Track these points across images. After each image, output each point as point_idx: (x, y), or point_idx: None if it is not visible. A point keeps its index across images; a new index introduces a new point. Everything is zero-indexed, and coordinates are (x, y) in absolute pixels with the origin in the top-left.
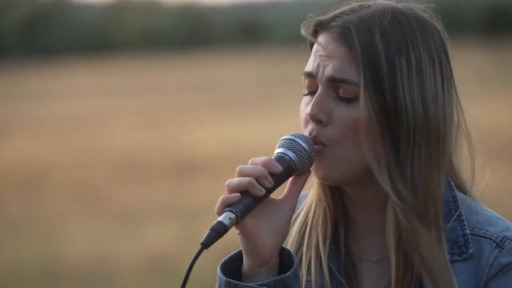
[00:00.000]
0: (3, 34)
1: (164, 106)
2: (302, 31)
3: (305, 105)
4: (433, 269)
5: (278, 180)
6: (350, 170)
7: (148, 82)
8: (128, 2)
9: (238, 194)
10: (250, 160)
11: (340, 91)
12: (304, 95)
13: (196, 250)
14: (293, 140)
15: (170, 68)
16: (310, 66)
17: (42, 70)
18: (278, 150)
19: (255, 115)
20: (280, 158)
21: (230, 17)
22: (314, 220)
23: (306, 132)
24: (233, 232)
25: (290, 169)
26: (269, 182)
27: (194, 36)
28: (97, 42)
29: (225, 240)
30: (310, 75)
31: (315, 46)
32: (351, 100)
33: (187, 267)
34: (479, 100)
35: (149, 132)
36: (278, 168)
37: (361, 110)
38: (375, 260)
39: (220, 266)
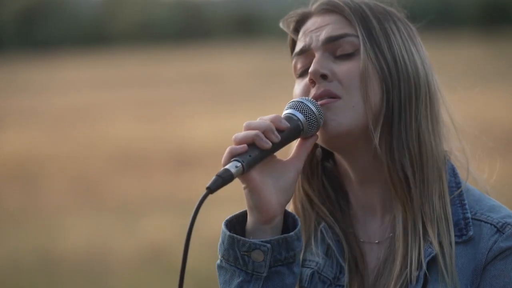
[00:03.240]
0: (0, 26)
1: (161, 99)
2: (284, 27)
3: (302, 86)
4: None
5: (285, 137)
6: (358, 121)
7: (145, 74)
8: None
9: (245, 145)
10: (258, 118)
11: (338, 50)
12: (297, 78)
13: (193, 242)
14: (302, 102)
15: (167, 60)
16: (300, 45)
17: (38, 63)
18: (286, 111)
19: (252, 107)
20: (288, 118)
21: (227, 10)
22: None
23: (311, 94)
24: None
25: (297, 129)
26: (276, 137)
27: (190, 28)
28: (94, 34)
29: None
30: (302, 51)
31: (303, 29)
32: (351, 55)
33: (191, 215)
34: (474, 92)
35: (146, 124)
36: (285, 124)
37: (362, 58)
38: (376, 241)
39: (225, 222)
